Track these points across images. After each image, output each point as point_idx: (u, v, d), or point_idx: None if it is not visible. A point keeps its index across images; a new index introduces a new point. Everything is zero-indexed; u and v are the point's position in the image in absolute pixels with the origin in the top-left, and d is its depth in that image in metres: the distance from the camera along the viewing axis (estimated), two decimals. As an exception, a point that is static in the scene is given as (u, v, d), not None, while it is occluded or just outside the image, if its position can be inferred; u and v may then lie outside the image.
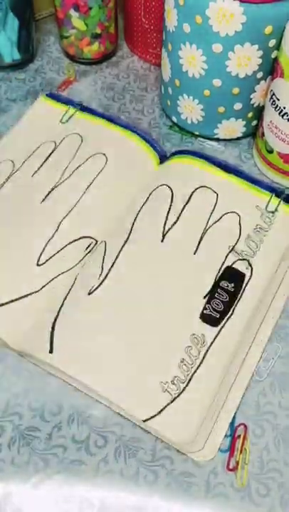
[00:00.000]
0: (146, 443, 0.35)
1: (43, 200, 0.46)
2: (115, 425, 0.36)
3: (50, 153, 0.49)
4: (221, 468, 0.34)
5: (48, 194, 0.46)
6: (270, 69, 0.45)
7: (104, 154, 0.48)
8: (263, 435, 0.36)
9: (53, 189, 0.46)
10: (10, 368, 0.38)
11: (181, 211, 0.45)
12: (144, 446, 0.35)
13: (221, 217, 0.45)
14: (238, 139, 0.53)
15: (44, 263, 0.42)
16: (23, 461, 0.34)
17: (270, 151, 0.47)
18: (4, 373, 0.38)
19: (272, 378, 0.38)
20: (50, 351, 0.37)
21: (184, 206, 0.45)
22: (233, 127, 0.50)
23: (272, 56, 0.44)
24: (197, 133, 0.52)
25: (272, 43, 0.43)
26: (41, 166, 0.48)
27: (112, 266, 0.41)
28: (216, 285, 0.41)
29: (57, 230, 0.44)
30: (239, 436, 0.36)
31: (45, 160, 0.48)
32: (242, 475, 0.34)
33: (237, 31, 0.41)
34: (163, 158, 0.50)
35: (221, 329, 0.39)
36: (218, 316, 0.39)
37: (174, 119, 0.53)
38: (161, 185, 0.46)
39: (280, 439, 0.36)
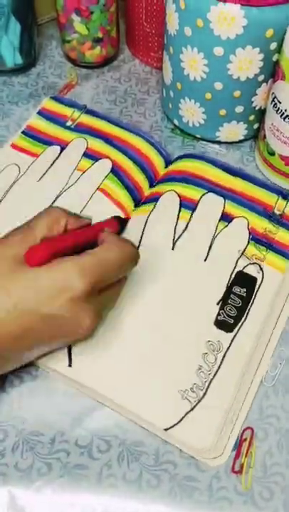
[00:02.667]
0: (149, 447, 0.35)
1: (50, 205, 0.45)
2: (118, 429, 0.36)
3: (56, 158, 0.49)
4: (223, 472, 0.34)
5: (55, 199, 0.46)
6: (272, 72, 0.45)
7: (109, 158, 0.48)
8: (266, 438, 0.36)
9: (59, 194, 0.46)
10: (13, 371, 0.38)
11: (190, 218, 0.45)
12: (147, 451, 0.35)
13: (229, 222, 0.45)
14: (239, 141, 0.53)
15: None
16: (27, 466, 0.34)
17: (272, 154, 0.47)
18: (7, 377, 0.38)
19: (276, 381, 0.38)
20: (70, 365, 0.37)
21: (193, 212, 0.45)
22: (234, 130, 0.50)
23: (274, 59, 0.44)
24: (199, 136, 0.52)
25: (273, 45, 0.43)
26: (47, 170, 0.48)
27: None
28: (229, 291, 0.41)
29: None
30: (245, 439, 0.36)
31: (51, 164, 0.48)
32: (246, 478, 0.34)
33: (238, 34, 0.41)
34: (168, 161, 0.50)
35: (235, 334, 0.39)
36: (232, 322, 0.40)
37: (176, 122, 0.53)
38: (168, 191, 0.46)
39: (283, 443, 0.36)
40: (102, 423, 0.36)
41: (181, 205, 0.45)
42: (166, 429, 0.35)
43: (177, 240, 0.43)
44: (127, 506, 0.33)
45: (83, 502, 0.33)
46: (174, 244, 0.43)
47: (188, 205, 0.45)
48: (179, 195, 0.46)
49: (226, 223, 0.45)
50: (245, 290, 0.41)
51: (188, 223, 0.44)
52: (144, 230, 0.44)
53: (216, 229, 0.44)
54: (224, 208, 0.46)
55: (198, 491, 0.34)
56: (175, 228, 0.44)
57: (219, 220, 0.45)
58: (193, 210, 0.45)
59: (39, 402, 0.37)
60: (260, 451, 0.35)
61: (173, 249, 0.43)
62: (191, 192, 0.46)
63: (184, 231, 0.44)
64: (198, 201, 0.46)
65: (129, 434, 0.36)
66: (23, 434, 0.35)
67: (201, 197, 0.46)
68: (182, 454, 0.35)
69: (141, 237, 0.43)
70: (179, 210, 0.45)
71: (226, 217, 0.45)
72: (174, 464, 0.35)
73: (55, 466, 0.34)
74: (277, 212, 0.46)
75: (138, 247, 0.43)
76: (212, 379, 0.37)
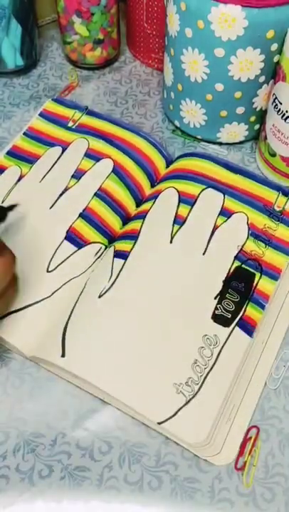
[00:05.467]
0: (151, 448, 0.35)
1: (52, 205, 0.46)
2: (119, 431, 0.36)
3: (58, 158, 0.49)
4: (225, 473, 0.34)
5: (57, 200, 0.46)
6: (273, 73, 0.45)
7: (111, 158, 0.48)
8: (268, 439, 0.36)
9: (61, 194, 0.46)
10: (14, 372, 0.38)
11: (189, 212, 0.45)
12: (148, 452, 0.35)
13: (228, 217, 0.45)
14: (240, 142, 0.53)
15: (54, 269, 0.42)
16: (28, 468, 0.34)
17: (273, 155, 0.47)
18: (8, 378, 0.38)
19: (280, 383, 0.38)
20: (63, 355, 0.36)
21: (191, 207, 0.45)
22: (235, 131, 0.50)
23: (275, 60, 0.44)
24: (200, 137, 0.52)
25: (274, 47, 0.43)
26: (49, 171, 0.48)
27: (121, 269, 0.41)
28: (227, 285, 0.41)
29: (66, 236, 0.44)
30: (250, 438, 0.35)
31: (53, 165, 0.49)
32: (248, 476, 0.34)
33: (239, 36, 0.41)
34: (169, 161, 0.50)
35: (233, 329, 0.39)
36: (229, 316, 0.39)
37: (177, 123, 0.53)
38: (168, 188, 0.46)
39: (285, 444, 0.36)
40: (103, 424, 0.36)
41: (180, 201, 0.45)
42: (159, 423, 0.35)
43: (175, 233, 0.43)
44: (128, 508, 0.33)
45: (84, 503, 0.33)
46: (171, 237, 0.43)
47: (187, 200, 0.45)
48: (178, 191, 0.46)
49: (225, 218, 0.45)
50: (243, 285, 0.41)
51: (186, 217, 0.44)
52: (142, 224, 0.44)
53: (215, 223, 0.44)
54: (223, 203, 0.46)
55: (199, 492, 0.34)
56: (173, 222, 0.44)
57: (218, 215, 0.45)
58: (192, 205, 0.45)
59: (40, 403, 0.37)
60: (262, 452, 0.35)
61: (171, 242, 0.43)
62: (191, 188, 0.46)
63: (182, 225, 0.44)
64: (198, 196, 0.46)
65: (131, 436, 0.36)
66: (25, 436, 0.35)
67: (200, 192, 0.46)
68: (183, 455, 0.35)
69: (139, 231, 0.43)
70: (178, 206, 0.45)
71: (225, 212, 0.45)
72: (175, 465, 0.34)
73: (57, 468, 0.34)
74: (277, 209, 0.46)
75: (136, 241, 0.43)
76: (207, 373, 0.37)
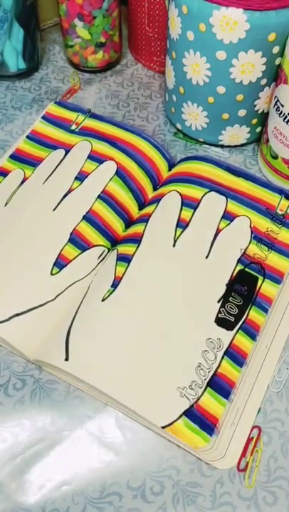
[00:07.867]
0: (153, 453, 0.35)
1: (55, 208, 0.46)
2: (121, 434, 0.36)
3: (61, 161, 0.49)
4: (227, 477, 0.34)
5: (60, 201, 0.46)
6: (274, 75, 0.45)
7: (114, 160, 0.48)
8: (270, 442, 0.36)
9: (64, 197, 0.46)
10: (16, 374, 0.38)
11: (192, 216, 0.45)
12: (150, 457, 0.35)
13: (231, 221, 0.45)
14: (242, 145, 0.53)
15: (57, 273, 0.42)
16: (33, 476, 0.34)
17: (275, 157, 0.47)
18: (10, 380, 0.38)
19: (282, 386, 0.38)
20: (66, 359, 0.36)
21: (194, 211, 0.45)
22: (237, 134, 0.50)
23: (276, 63, 0.44)
24: (201, 140, 0.52)
25: (275, 49, 0.43)
26: (52, 173, 0.48)
27: (124, 272, 0.41)
28: (230, 289, 0.41)
29: (69, 239, 0.44)
30: (252, 438, 0.35)
31: (56, 167, 0.49)
32: (251, 476, 0.34)
33: (241, 38, 0.41)
34: (171, 164, 0.50)
35: (236, 332, 0.39)
36: (233, 320, 0.39)
37: (179, 126, 0.53)
38: (170, 191, 0.46)
39: (287, 447, 0.35)
40: (105, 428, 0.36)
41: (182, 204, 0.45)
42: (163, 427, 0.35)
43: (178, 237, 0.43)
44: (130, 512, 0.33)
45: (87, 510, 0.33)
46: (175, 241, 0.43)
47: (190, 203, 0.45)
48: (180, 195, 0.46)
49: (228, 222, 0.45)
50: (246, 289, 0.41)
51: (189, 221, 0.44)
52: (145, 228, 0.44)
53: (218, 227, 0.44)
54: (226, 206, 0.46)
55: (201, 496, 0.34)
56: (176, 226, 0.44)
57: (221, 219, 0.45)
58: (195, 208, 0.45)
59: (42, 406, 0.37)
60: (264, 456, 0.35)
61: (174, 245, 0.43)
62: (193, 191, 0.46)
63: (185, 228, 0.44)
64: (200, 200, 0.46)
65: (133, 440, 0.35)
66: (26, 440, 0.35)
67: (203, 196, 0.46)
68: (186, 459, 0.35)
69: (142, 235, 0.43)
70: (181, 209, 0.45)
71: (228, 216, 0.45)
72: (178, 470, 0.34)
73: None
74: (280, 212, 0.46)
75: (139, 244, 0.43)
76: (211, 377, 0.37)
